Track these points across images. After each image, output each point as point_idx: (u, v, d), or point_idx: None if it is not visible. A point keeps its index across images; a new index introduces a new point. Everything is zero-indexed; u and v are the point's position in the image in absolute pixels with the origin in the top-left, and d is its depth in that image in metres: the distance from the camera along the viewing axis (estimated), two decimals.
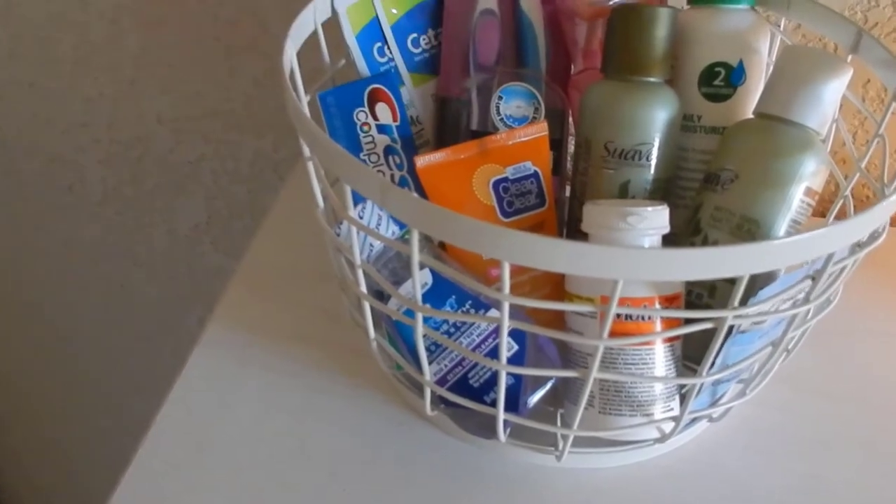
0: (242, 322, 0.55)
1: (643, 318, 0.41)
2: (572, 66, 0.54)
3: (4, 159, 0.92)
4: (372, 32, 0.49)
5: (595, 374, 0.36)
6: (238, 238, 0.91)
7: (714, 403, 0.44)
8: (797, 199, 0.44)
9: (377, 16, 0.49)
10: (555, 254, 0.30)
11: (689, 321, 0.35)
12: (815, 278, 0.36)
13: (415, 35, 0.52)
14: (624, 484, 0.45)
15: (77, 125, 0.85)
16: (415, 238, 0.33)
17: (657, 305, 0.41)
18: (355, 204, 0.39)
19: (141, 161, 0.87)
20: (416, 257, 0.34)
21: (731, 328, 0.38)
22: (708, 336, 0.38)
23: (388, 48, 0.50)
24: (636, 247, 0.40)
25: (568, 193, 0.52)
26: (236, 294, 0.58)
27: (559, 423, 0.44)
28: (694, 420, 0.46)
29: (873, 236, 0.38)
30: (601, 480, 0.45)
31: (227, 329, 0.54)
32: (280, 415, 0.49)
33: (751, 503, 0.45)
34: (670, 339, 0.42)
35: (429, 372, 0.42)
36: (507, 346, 0.42)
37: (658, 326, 0.41)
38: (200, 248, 0.93)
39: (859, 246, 0.38)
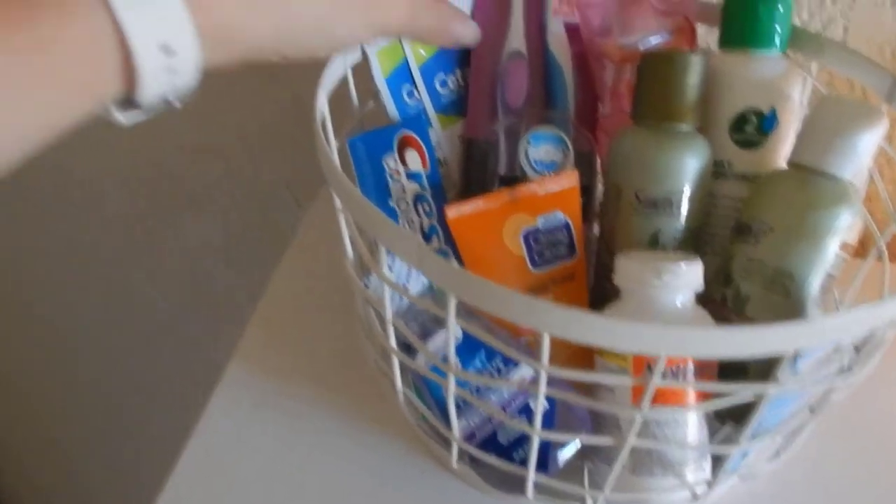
0: (263, 363, 0.54)
1: (678, 376, 0.40)
2: (600, 108, 0.54)
3: (24, 176, 0.92)
4: (401, 75, 0.49)
5: (631, 441, 0.35)
6: (253, 261, 0.90)
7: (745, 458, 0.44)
8: (832, 252, 0.43)
9: (406, 58, 0.49)
10: (595, 329, 0.30)
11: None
12: (859, 349, 0.35)
13: (443, 76, 0.51)
14: None
15: (97, 146, 0.85)
16: (451, 304, 0.33)
17: (690, 365, 0.40)
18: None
19: (159, 181, 0.87)
20: (453, 322, 0.34)
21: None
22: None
23: (417, 90, 0.50)
24: (678, 324, 0.40)
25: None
26: (256, 333, 0.57)
27: (587, 483, 0.44)
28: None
29: None
30: None
31: (246, 370, 0.54)
32: (300, 459, 0.48)
33: None
34: (702, 397, 0.41)
35: (457, 428, 0.41)
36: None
37: (692, 390, 0.41)
38: (215, 269, 0.93)
39: None
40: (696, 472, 0.41)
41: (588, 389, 0.44)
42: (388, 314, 0.39)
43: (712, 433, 0.44)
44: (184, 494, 0.46)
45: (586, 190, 0.51)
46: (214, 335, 1.02)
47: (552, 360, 0.43)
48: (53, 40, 0.29)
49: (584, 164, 0.51)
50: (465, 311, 0.43)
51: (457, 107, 0.52)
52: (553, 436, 0.38)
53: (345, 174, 0.42)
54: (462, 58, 0.53)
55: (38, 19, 0.28)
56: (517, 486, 0.42)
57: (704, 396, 0.41)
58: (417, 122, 0.47)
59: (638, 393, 0.41)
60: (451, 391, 0.37)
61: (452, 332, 0.34)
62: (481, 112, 0.53)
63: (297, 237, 0.66)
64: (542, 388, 0.34)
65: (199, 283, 0.96)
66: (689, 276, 0.41)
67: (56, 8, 0.29)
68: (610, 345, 0.30)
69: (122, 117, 0.33)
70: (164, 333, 1.04)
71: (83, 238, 0.97)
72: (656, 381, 0.32)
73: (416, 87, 0.50)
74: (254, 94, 0.76)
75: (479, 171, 0.53)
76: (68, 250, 0.99)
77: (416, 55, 0.50)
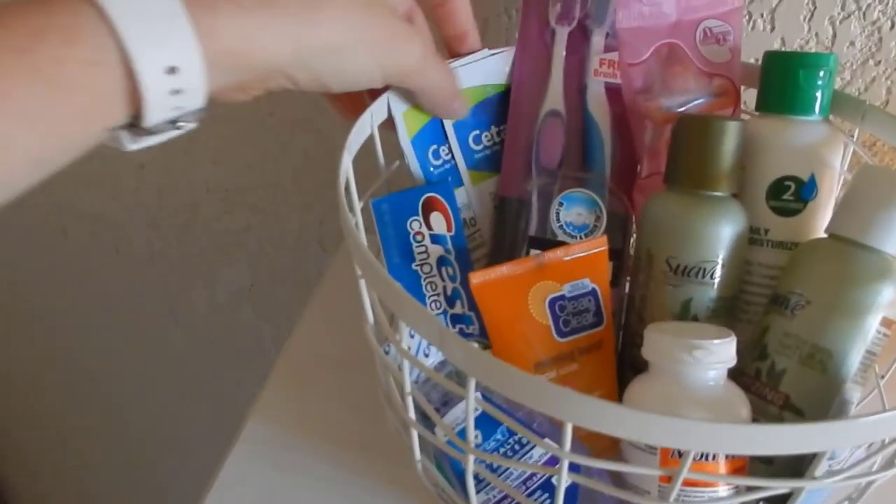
0: (281, 420, 0.53)
1: (706, 460, 0.38)
2: (638, 170, 0.52)
3: (53, 219, 0.93)
4: (427, 135, 0.48)
5: None
6: (280, 307, 0.90)
7: None
8: (873, 329, 0.42)
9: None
10: (622, 422, 0.28)
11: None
12: None
13: (477, 132, 0.51)
14: None
15: (128, 190, 0.85)
16: (471, 387, 0.32)
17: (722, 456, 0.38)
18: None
19: (188, 227, 0.87)
20: (472, 403, 0.32)
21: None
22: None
23: (447, 147, 0.49)
24: (694, 398, 0.38)
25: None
26: (276, 389, 0.56)
27: None
28: None
29: None
30: None
31: (265, 427, 0.53)
32: None
33: None
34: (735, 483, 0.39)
35: (475, 502, 0.40)
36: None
37: (723, 475, 0.39)
38: (241, 315, 0.92)
39: None
40: None
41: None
42: (407, 387, 0.37)
43: None
44: None
45: (619, 253, 0.50)
46: (237, 380, 1.01)
47: (574, 433, 0.42)
48: (57, 68, 0.28)
49: (618, 227, 0.50)
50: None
51: (490, 163, 0.51)
52: None
53: (368, 237, 0.41)
54: (497, 114, 0.52)
55: (43, 45, 0.28)
56: None
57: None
58: (443, 185, 0.46)
59: (667, 479, 0.39)
60: (470, 469, 0.36)
61: (471, 412, 0.33)
62: (515, 171, 0.52)
63: (321, 288, 0.66)
64: (564, 476, 0.32)
65: (225, 328, 0.96)
66: (721, 353, 0.39)
67: (60, 33, 0.28)
68: (639, 438, 0.29)
69: (131, 143, 0.33)
70: (187, 377, 1.04)
71: (111, 279, 0.97)
72: (685, 474, 0.30)
73: (448, 141, 0.49)
74: (282, 140, 0.76)
75: (510, 231, 0.52)
76: (97, 291, 0.99)
77: None
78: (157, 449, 1.18)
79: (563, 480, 0.32)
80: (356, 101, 0.46)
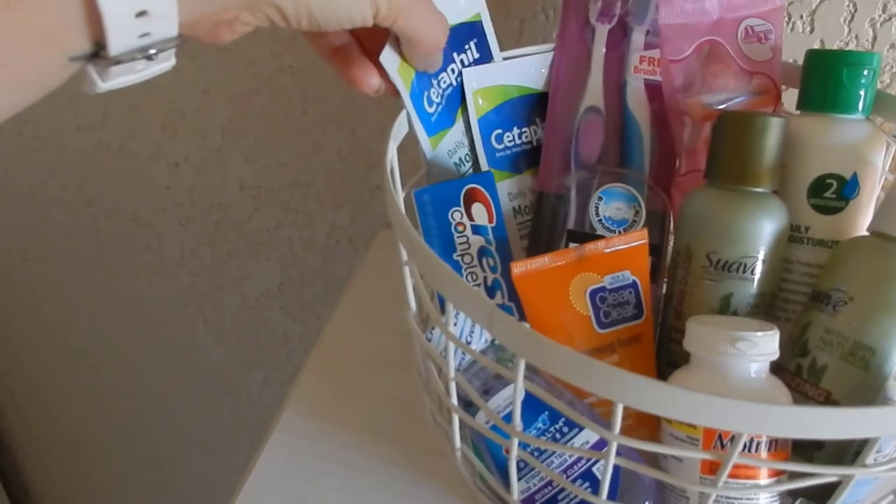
0: (316, 412, 0.54)
1: (749, 450, 0.38)
2: (677, 166, 0.53)
3: (86, 216, 0.94)
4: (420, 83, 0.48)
5: None
6: (309, 306, 0.90)
7: None
8: None
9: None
10: (672, 402, 0.28)
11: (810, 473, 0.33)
12: None
13: (499, 131, 0.51)
14: None
15: (160, 188, 0.86)
16: (520, 367, 0.32)
17: (764, 437, 0.38)
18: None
19: (219, 225, 0.87)
20: (521, 385, 0.33)
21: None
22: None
23: (473, 144, 0.50)
24: (755, 397, 0.38)
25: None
26: (310, 382, 0.56)
27: None
28: None
29: None
30: None
31: (300, 419, 0.53)
32: None
33: None
34: (776, 474, 0.39)
35: (516, 490, 0.40)
36: (601, 471, 0.40)
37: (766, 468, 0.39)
38: (269, 313, 0.93)
39: None
40: None
41: (653, 455, 0.42)
42: (451, 372, 0.38)
43: None
44: None
45: (657, 249, 0.50)
46: (264, 379, 1.02)
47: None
48: None
49: (657, 224, 0.50)
50: (529, 370, 0.42)
51: (508, 163, 0.51)
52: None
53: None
54: (522, 117, 0.52)
55: None
56: None
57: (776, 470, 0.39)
58: (485, 175, 0.46)
59: (707, 464, 0.39)
60: (514, 454, 0.36)
61: (520, 394, 0.33)
62: (554, 166, 0.52)
63: (352, 285, 0.66)
64: (612, 458, 0.32)
65: (254, 327, 0.96)
66: (765, 346, 0.39)
67: None
68: (688, 418, 0.29)
69: (100, 80, 0.30)
70: (214, 375, 1.05)
71: (142, 277, 0.98)
72: (734, 458, 0.30)
73: (472, 140, 0.49)
74: (315, 139, 0.77)
75: (548, 225, 0.52)
76: (128, 289, 1.00)
77: (476, 105, 0.50)
78: (183, 447, 1.18)
79: (611, 463, 0.32)
80: (347, 55, 0.42)
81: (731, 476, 0.38)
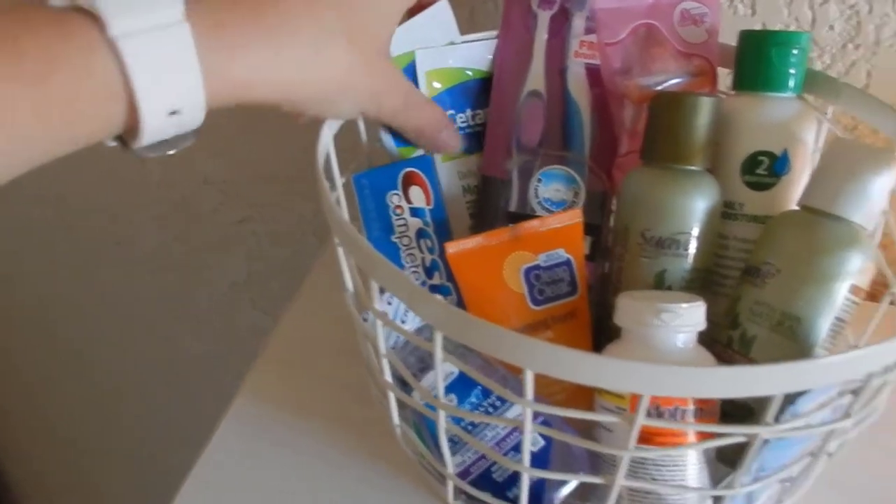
0: (270, 397, 0.55)
1: (677, 416, 0.39)
2: (619, 148, 0.54)
3: (62, 212, 0.95)
4: None
5: (621, 482, 0.35)
6: (276, 298, 0.91)
7: None
8: (841, 296, 0.42)
9: (407, 70, 0.50)
10: (578, 366, 0.29)
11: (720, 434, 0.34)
12: (856, 393, 0.34)
13: (452, 112, 0.52)
14: None
15: (129, 183, 0.87)
16: (438, 339, 0.33)
17: (690, 405, 0.39)
18: (384, 292, 0.39)
19: (186, 219, 0.88)
20: (440, 356, 0.34)
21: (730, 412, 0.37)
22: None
23: None
24: (662, 361, 0.39)
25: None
26: (265, 368, 0.57)
27: None
28: None
29: None
30: None
31: (253, 405, 0.54)
32: (302, 495, 0.48)
33: None
34: (702, 437, 0.40)
35: (451, 464, 0.41)
36: (532, 442, 0.41)
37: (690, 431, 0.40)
38: (239, 305, 0.94)
39: None
40: None
41: (588, 429, 0.43)
42: (382, 348, 0.39)
43: (718, 479, 0.43)
44: None
45: (598, 229, 0.51)
46: (238, 370, 1.02)
47: (553, 399, 0.43)
48: (66, 99, 0.29)
49: (597, 204, 0.51)
50: (462, 349, 0.43)
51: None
52: (542, 473, 0.37)
53: (346, 209, 0.43)
54: (476, 98, 0.53)
55: (54, 73, 0.29)
56: None
57: (707, 439, 0.40)
58: (423, 160, 0.47)
59: (645, 434, 0.40)
60: (442, 427, 0.37)
61: (440, 366, 0.34)
62: (498, 150, 0.53)
63: (312, 274, 0.67)
64: (528, 425, 0.33)
65: (224, 319, 0.97)
66: (689, 316, 0.40)
67: (71, 70, 0.29)
68: (591, 382, 0.30)
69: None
70: (187, 367, 1.05)
71: (113, 271, 0.99)
72: (641, 420, 0.31)
73: None
74: (277, 132, 0.78)
75: (491, 208, 0.53)
76: (113, 300, 1.01)
77: (430, 88, 0.51)
78: (160, 440, 1.19)
79: (527, 430, 0.33)
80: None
81: (657, 442, 0.39)
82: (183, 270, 0.94)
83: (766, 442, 0.37)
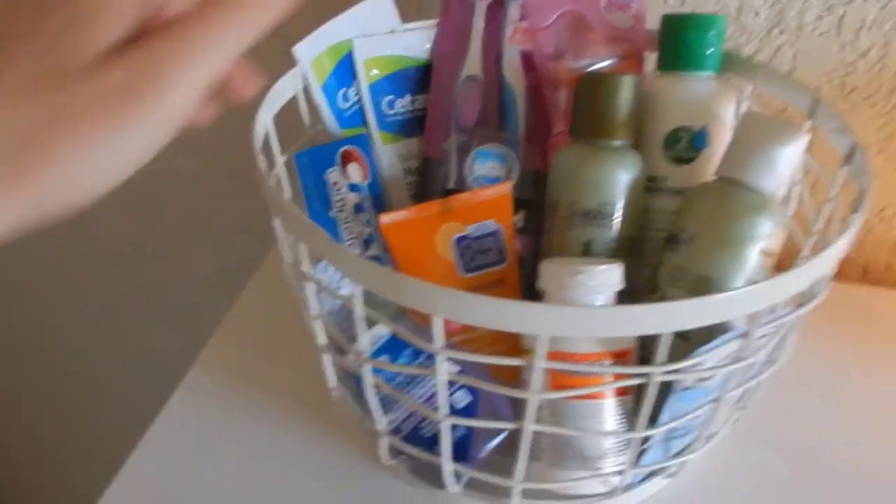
0: (224, 372, 0.57)
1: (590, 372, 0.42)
2: (554, 129, 0.56)
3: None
4: (336, 80, 0.52)
5: (531, 426, 0.37)
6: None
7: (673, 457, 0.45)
8: (752, 259, 0.45)
9: (348, 58, 0.53)
10: (477, 309, 0.32)
11: (621, 377, 0.37)
12: (745, 337, 0.37)
13: (392, 97, 0.54)
14: None
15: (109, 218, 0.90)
16: (358, 294, 0.35)
17: (606, 361, 0.42)
18: (321, 261, 0.41)
19: (156, 214, 0.91)
20: (361, 309, 0.36)
21: (669, 384, 0.39)
22: (661, 393, 0.39)
23: (355, 89, 0.53)
24: (561, 305, 0.42)
25: None
26: (222, 341, 0.60)
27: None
28: (649, 476, 0.46)
29: (810, 296, 0.39)
30: None
31: (206, 378, 0.56)
32: (248, 460, 0.51)
33: None
34: (621, 394, 0.43)
35: (383, 422, 0.43)
36: (461, 398, 0.43)
37: (606, 380, 0.42)
38: (211, 299, 0.96)
39: (802, 304, 0.39)
40: (615, 467, 0.43)
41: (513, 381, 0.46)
42: (314, 310, 0.41)
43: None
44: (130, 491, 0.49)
45: (530, 204, 0.53)
46: None
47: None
48: None
49: (531, 181, 0.54)
50: (395, 313, 0.46)
51: (401, 127, 0.55)
52: (458, 420, 0.39)
53: (289, 187, 0.45)
54: (416, 85, 0.56)
55: None
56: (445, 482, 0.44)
57: (624, 391, 0.43)
58: (360, 139, 0.50)
59: (554, 385, 0.42)
60: (368, 380, 0.40)
61: (362, 318, 0.37)
62: (437, 133, 0.56)
63: (271, 254, 0.69)
64: (442, 370, 0.36)
65: (195, 313, 0.99)
66: (605, 278, 0.43)
67: None
68: (489, 324, 0.32)
69: None
70: (159, 363, 1.07)
71: (86, 268, 1.01)
72: (541, 363, 0.34)
73: (356, 81, 0.53)
74: (246, 127, 0.80)
75: (432, 188, 0.56)
76: (86, 296, 1.03)
77: (369, 75, 0.54)
78: (131, 433, 1.21)
79: (442, 375, 0.36)
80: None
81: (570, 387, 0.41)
82: (154, 265, 0.96)
83: (670, 390, 0.40)
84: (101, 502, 0.48)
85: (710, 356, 0.38)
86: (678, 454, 0.45)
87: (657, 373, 0.35)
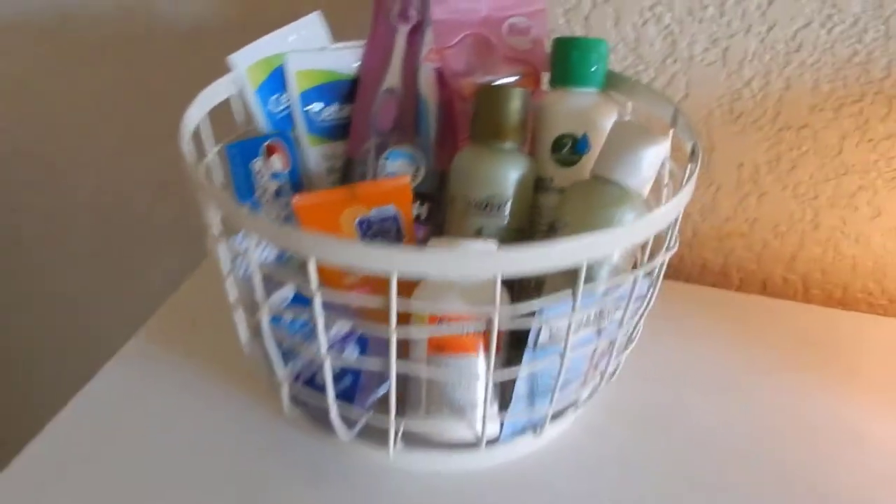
0: (161, 341, 0.64)
1: (463, 333, 0.49)
2: (460, 135, 0.64)
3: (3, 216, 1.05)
4: (268, 87, 0.60)
5: (393, 367, 0.44)
6: None
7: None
8: None
9: (280, 69, 0.61)
10: (341, 251, 0.39)
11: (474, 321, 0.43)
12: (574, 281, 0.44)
13: (321, 105, 0.62)
14: (453, 489, 0.52)
15: (68, 188, 0.97)
16: (251, 244, 0.42)
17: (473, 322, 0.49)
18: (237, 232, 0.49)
19: (124, 218, 0.98)
20: (254, 255, 0.43)
21: (524, 340, 0.46)
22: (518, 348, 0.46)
23: (286, 96, 0.61)
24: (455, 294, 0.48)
25: None
26: (165, 315, 0.67)
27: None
28: (517, 434, 0.53)
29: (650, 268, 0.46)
30: (435, 482, 0.52)
31: (144, 345, 0.63)
32: (170, 417, 0.57)
33: None
34: (487, 349, 0.49)
35: (284, 371, 0.50)
36: (350, 353, 0.50)
37: (478, 343, 0.49)
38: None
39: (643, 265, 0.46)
40: (484, 417, 0.49)
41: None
42: (225, 269, 0.48)
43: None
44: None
45: (433, 197, 0.61)
46: None
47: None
48: None
49: (439, 180, 0.62)
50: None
51: (328, 132, 0.63)
52: (338, 360, 0.46)
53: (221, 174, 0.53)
54: (342, 97, 0.64)
55: None
56: (340, 430, 0.50)
57: (498, 345, 0.49)
58: (283, 134, 0.57)
59: (433, 344, 0.49)
60: (266, 326, 0.46)
61: (256, 265, 0.44)
62: (360, 137, 0.63)
63: None
64: (318, 311, 0.43)
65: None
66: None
67: None
68: (346, 261, 0.39)
69: None
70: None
71: (50, 272, 1.08)
72: (394, 304, 0.41)
73: (286, 90, 0.61)
74: None
75: (353, 182, 0.63)
76: (51, 300, 1.10)
77: (300, 86, 0.61)
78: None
79: (318, 315, 0.43)
80: None
81: (446, 350, 0.48)
82: (121, 270, 1.03)
83: (525, 345, 0.47)
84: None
85: (554, 310, 0.45)
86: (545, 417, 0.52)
87: (493, 313, 0.42)
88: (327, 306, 0.44)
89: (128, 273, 1.04)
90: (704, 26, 0.68)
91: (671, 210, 0.46)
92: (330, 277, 0.52)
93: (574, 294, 0.44)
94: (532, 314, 0.46)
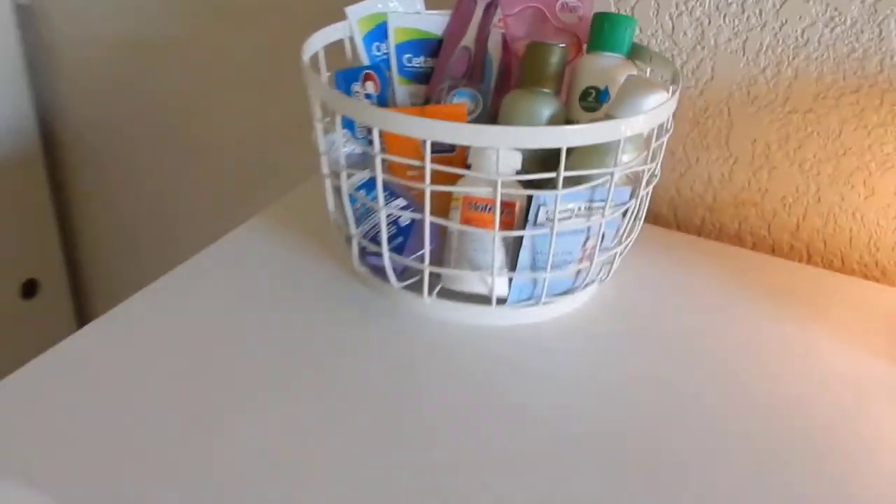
0: (277, 224, 0.84)
1: (486, 210, 0.66)
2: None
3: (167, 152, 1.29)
4: (372, 37, 0.79)
5: (427, 217, 0.62)
6: None
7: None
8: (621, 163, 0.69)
9: (384, 24, 0.80)
10: (394, 121, 0.58)
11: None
12: (556, 179, 0.61)
13: (410, 55, 0.81)
14: (471, 339, 0.68)
15: (214, 131, 1.21)
16: (338, 121, 0.62)
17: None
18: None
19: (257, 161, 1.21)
20: (339, 127, 0.62)
21: (531, 219, 0.63)
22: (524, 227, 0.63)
23: (385, 45, 0.80)
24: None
25: None
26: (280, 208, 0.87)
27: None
28: (525, 300, 0.70)
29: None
30: (458, 333, 0.69)
31: (266, 222, 0.84)
32: (261, 283, 0.77)
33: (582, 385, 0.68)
34: (504, 227, 0.66)
35: (354, 229, 0.69)
36: (404, 220, 0.68)
37: (496, 219, 0.66)
38: None
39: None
40: (498, 278, 0.67)
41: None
42: (321, 148, 0.68)
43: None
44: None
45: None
46: None
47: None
48: None
49: (492, 120, 0.79)
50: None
51: (414, 76, 0.82)
52: (396, 211, 0.64)
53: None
54: (428, 50, 0.83)
55: None
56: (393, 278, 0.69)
57: (508, 224, 0.67)
58: (376, 67, 0.77)
59: (463, 218, 0.67)
60: (345, 190, 0.65)
61: (340, 135, 0.63)
62: (439, 82, 0.82)
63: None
64: (379, 175, 0.61)
65: None
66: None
67: None
68: (394, 129, 0.58)
69: None
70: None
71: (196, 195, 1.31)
72: (428, 163, 0.59)
73: (386, 39, 0.80)
74: None
75: None
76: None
77: (396, 40, 0.81)
78: None
79: (378, 175, 0.61)
80: None
81: (471, 221, 0.66)
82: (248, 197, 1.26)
83: (528, 222, 0.64)
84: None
85: (548, 197, 0.62)
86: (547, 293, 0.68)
87: (497, 180, 0.60)
88: (388, 187, 0.63)
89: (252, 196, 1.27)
90: (728, 20, 0.83)
91: (662, 111, 0.62)
92: (396, 169, 0.71)
93: (557, 179, 0.61)
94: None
